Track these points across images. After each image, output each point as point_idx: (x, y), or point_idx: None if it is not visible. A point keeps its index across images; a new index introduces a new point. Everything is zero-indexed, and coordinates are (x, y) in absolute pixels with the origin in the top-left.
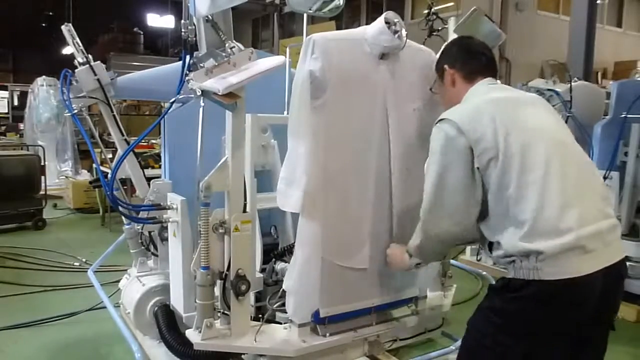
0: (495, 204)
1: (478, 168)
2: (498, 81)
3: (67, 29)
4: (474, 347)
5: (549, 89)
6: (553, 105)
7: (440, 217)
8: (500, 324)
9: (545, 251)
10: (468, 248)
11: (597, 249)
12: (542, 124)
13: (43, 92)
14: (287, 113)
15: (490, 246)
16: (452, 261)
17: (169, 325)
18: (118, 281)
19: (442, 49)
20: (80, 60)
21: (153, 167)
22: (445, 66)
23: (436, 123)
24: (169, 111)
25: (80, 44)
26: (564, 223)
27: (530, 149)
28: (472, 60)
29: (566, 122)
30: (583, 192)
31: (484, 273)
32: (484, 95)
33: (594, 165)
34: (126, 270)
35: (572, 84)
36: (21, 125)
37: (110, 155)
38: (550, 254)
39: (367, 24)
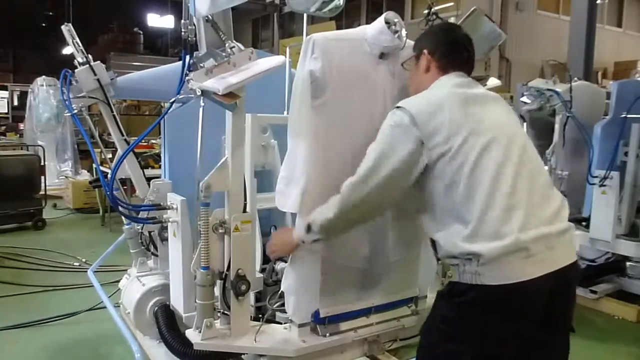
0: (443, 197)
1: (427, 164)
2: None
3: (67, 29)
4: (426, 358)
5: (549, 89)
6: (553, 105)
7: (368, 193)
8: (448, 331)
9: (485, 254)
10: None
11: (540, 252)
12: (501, 123)
13: (43, 92)
14: (287, 113)
15: (434, 244)
16: None
17: (168, 325)
18: (118, 281)
19: (427, 30)
20: (80, 60)
21: (153, 167)
22: (425, 50)
23: (394, 109)
24: (169, 111)
25: (80, 44)
26: (506, 226)
27: (486, 149)
28: (453, 53)
29: (566, 122)
30: (533, 195)
31: None
32: (448, 88)
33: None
34: (126, 270)
35: (572, 84)
36: (21, 125)
37: (110, 155)
38: (490, 257)
39: (367, 24)
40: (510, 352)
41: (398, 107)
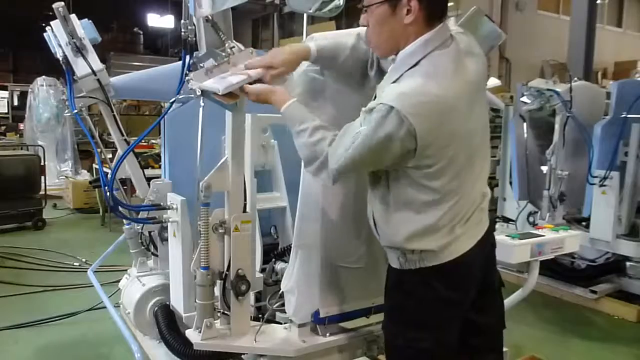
0: (412, 189)
1: (409, 167)
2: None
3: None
4: (392, 353)
5: (549, 89)
6: (553, 105)
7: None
8: (404, 320)
9: (428, 249)
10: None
11: (472, 229)
12: (482, 126)
13: (43, 92)
14: None
15: (375, 224)
16: None
17: (169, 325)
18: (118, 281)
19: None
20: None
21: (153, 167)
22: None
23: (393, 106)
24: (169, 111)
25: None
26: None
27: (468, 161)
28: (440, 3)
29: (566, 122)
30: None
31: None
32: (458, 81)
33: None
34: (126, 270)
35: (572, 84)
36: (21, 125)
37: (110, 155)
38: (432, 251)
39: None
40: (460, 322)
41: (404, 113)
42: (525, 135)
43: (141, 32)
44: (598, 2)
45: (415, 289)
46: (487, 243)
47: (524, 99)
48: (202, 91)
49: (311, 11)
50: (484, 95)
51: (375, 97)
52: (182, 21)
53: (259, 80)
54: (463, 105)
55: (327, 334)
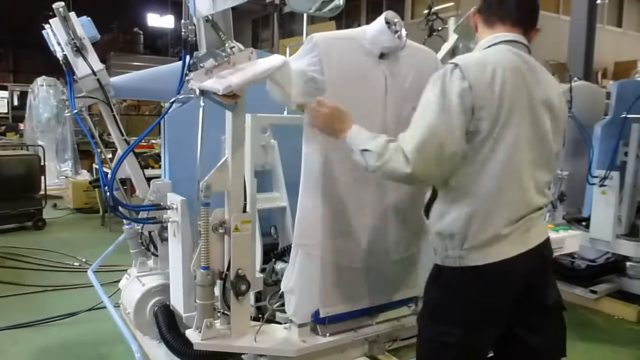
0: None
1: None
2: (524, 42)
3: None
4: (421, 343)
5: None
6: None
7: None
8: (435, 314)
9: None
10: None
11: (518, 235)
12: (541, 140)
13: (43, 92)
14: (287, 113)
15: (429, 211)
16: None
17: (169, 325)
18: (118, 281)
19: None
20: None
21: (153, 167)
22: (475, 8)
23: (457, 64)
24: (169, 111)
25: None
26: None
27: (513, 162)
28: (497, 3)
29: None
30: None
31: None
32: (506, 63)
33: None
34: (126, 270)
35: (573, 84)
36: (21, 125)
37: (110, 155)
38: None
39: (367, 24)
40: (495, 331)
41: (462, 70)
42: None
43: (141, 32)
44: (598, 2)
45: (451, 285)
46: (537, 256)
47: None
48: (202, 91)
49: (311, 11)
50: (557, 119)
51: None
52: (182, 21)
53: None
54: (516, 99)
55: (327, 334)
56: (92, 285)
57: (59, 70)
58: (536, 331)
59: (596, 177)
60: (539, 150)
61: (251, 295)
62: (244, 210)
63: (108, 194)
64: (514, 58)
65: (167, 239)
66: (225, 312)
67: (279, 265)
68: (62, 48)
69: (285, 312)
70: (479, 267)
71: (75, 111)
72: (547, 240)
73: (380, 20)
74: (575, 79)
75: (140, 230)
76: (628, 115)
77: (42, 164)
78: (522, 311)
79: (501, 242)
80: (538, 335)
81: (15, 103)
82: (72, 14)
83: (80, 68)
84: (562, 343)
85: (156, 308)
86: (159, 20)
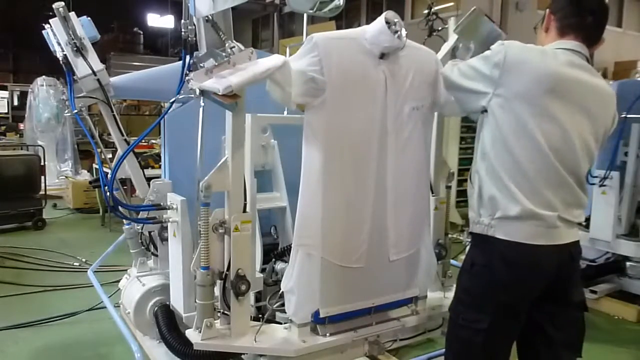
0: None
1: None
2: (586, 54)
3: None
4: (451, 329)
5: None
6: None
7: None
8: (467, 301)
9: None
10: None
11: (549, 227)
12: (575, 138)
13: (43, 92)
14: (287, 113)
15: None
16: (452, 261)
17: (169, 325)
18: (118, 281)
19: None
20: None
21: (153, 167)
22: (549, 9)
23: (504, 43)
24: (169, 111)
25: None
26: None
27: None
28: (574, 16)
29: None
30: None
31: None
32: (559, 60)
33: None
34: (126, 270)
35: None
36: (21, 125)
37: (110, 155)
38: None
39: (367, 24)
40: (521, 321)
41: (505, 45)
42: None
43: (141, 32)
44: None
45: (481, 272)
46: (565, 253)
47: None
48: (202, 91)
49: (311, 11)
50: (597, 124)
51: None
52: (182, 21)
53: None
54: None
55: (327, 334)
56: (92, 285)
57: (59, 70)
58: (557, 325)
59: (596, 177)
60: (582, 150)
61: (251, 295)
62: (244, 210)
63: (108, 194)
64: (571, 59)
65: (167, 239)
66: (225, 312)
67: (279, 265)
68: (62, 48)
69: (285, 312)
70: (508, 242)
71: (75, 111)
72: (577, 242)
73: (380, 20)
74: None
75: (140, 230)
76: (628, 115)
77: (42, 164)
78: (547, 302)
79: (527, 221)
80: (558, 329)
81: (15, 103)
82: (72, 14)
83: (80, 68)
84: (579, 343)
85: (156, 308)
86: (159, 20)
